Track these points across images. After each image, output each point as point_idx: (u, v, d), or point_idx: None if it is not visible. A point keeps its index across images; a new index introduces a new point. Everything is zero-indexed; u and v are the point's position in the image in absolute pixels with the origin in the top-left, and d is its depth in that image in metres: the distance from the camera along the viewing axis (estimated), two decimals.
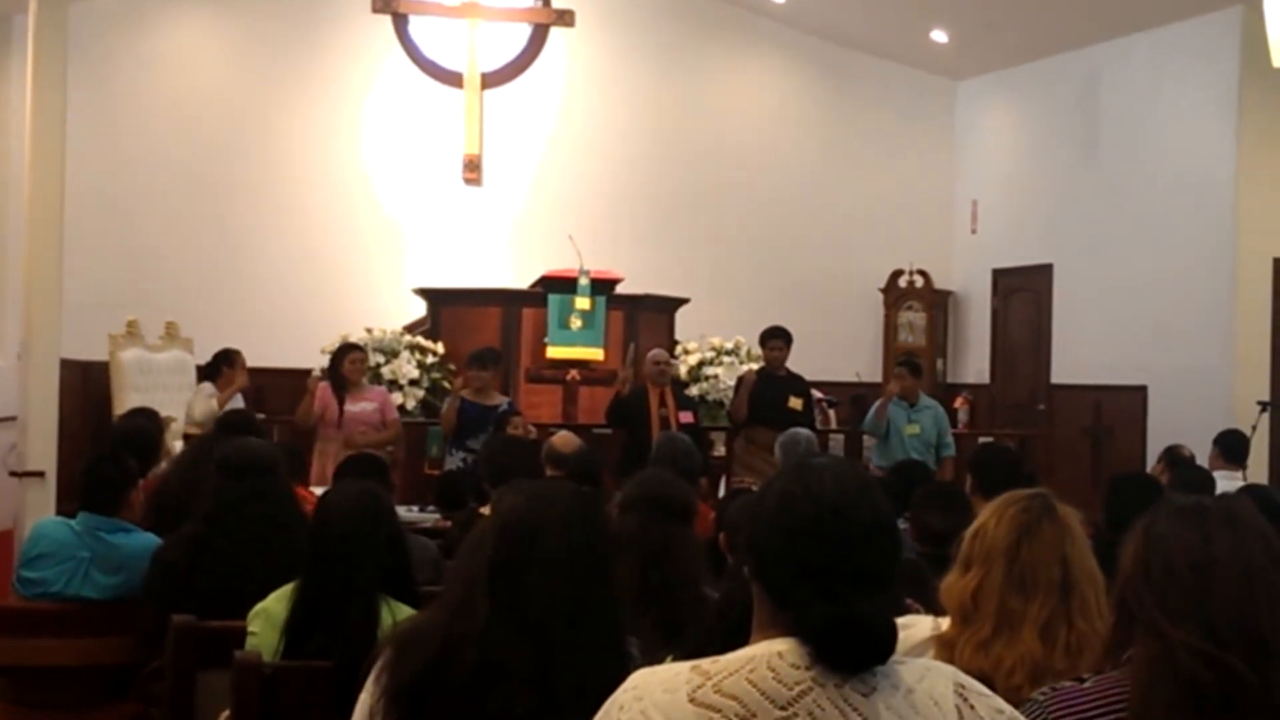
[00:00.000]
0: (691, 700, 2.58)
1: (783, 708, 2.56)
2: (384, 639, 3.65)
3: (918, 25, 16.75)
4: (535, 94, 17.16)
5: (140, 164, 15.87)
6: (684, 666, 2.65)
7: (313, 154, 16.42)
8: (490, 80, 16.99)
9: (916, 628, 4.01)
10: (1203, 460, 10.40)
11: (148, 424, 8.54)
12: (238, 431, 7.24)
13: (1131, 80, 15.47)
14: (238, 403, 11.95)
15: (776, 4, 17.25)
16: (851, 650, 2.59)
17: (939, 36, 16.83)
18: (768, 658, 2.61)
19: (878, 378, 16.83)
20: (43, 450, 11.42)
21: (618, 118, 17.24)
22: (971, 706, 2.67)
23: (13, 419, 12.69)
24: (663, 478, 5.40)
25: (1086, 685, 3.05)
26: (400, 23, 16.87)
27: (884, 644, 2.60)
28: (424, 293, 15.19)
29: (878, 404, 12.73)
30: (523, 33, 17.28)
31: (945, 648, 3.88)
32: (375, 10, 16.64)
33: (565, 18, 17.12)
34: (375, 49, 16.71)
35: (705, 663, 2.64)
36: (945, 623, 3.99)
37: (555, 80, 17.24)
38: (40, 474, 11.29)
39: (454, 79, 16.88)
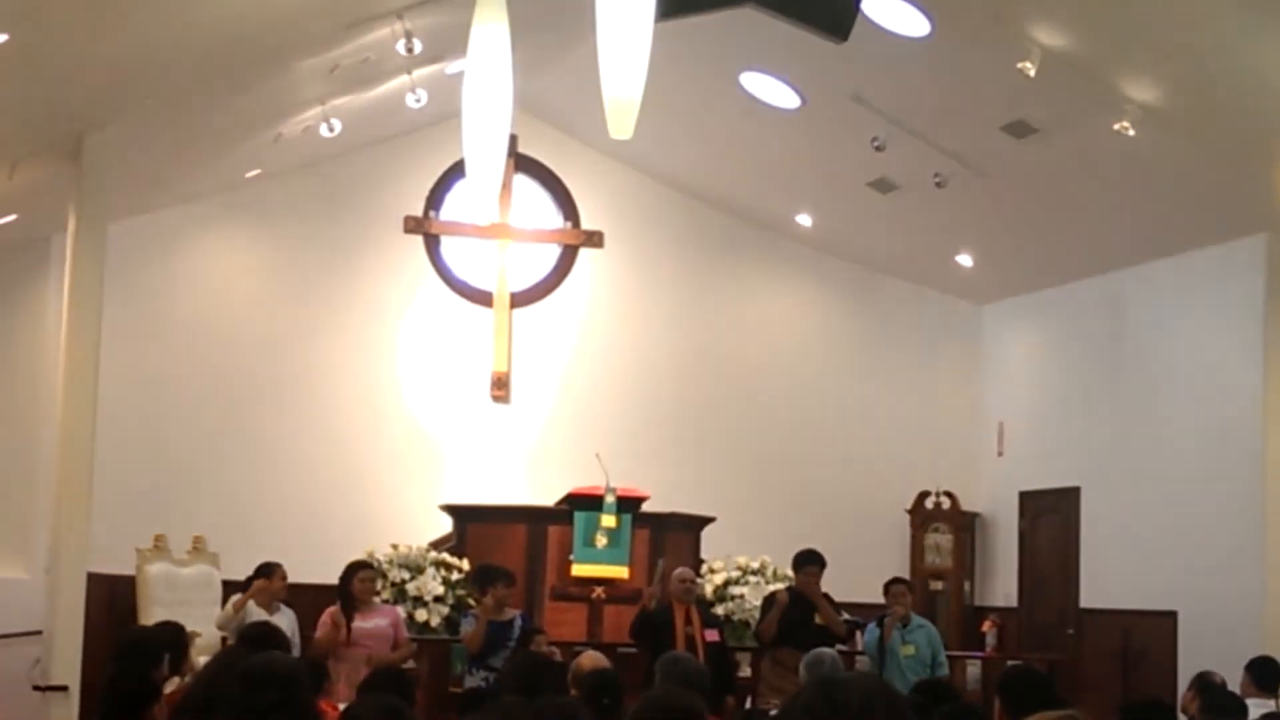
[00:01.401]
0: None
1: None
2: None
3: (943, 249, 16.93)
4: (564, 312, 17.33)
5: (172, 380, 16.00)
6: None
7: (343, 372, 16.55)
8: (519, 300, 17.17)
9: None
10: (1234, 687, 10.25)
11: (165, 632, 8.50)
12: (259, 643, 7.21)
13: (1156, 305, 15.56)
14: (273, 616, 11.92)
15: (803, 227, 17.46)
16: None
17: (964, 260, 16.99)
18: None
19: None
20: (67, 664, 11.41)
21: (645, 337, 17.38)
22: None
23: (38, 633, 12.69)
24: (670, 689, 5.35)
25: None
26: (432, 243, 17.09)
27: None
28: (451, 509, 15.20)
29: (884, 624, 12.62)
30: (552, 253, 17.49)
31: None
32: (408, 231, 16.88)
33: (594, 239, 17.34)
34: (407, 268, 16.92)
35: None
36: None
37: (583, 299, 17.42)
38: (64, 688, 11.27)
39: (484, 298, 17.06)
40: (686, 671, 8.33)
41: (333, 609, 11.85)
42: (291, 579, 13.48)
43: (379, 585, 12.88)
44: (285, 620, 12.05)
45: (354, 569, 12.08)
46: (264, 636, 8.08)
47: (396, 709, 4.83)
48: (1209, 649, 13.48)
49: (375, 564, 13.26)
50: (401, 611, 13.27)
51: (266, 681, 5.66)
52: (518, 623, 11.72)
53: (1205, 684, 9.81)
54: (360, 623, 11.58)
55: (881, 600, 15.46)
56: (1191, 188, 13.78)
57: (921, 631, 12.67)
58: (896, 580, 13.41)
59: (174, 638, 8.64)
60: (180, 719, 6.63)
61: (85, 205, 12.02)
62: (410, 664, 11.53)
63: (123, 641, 7.80)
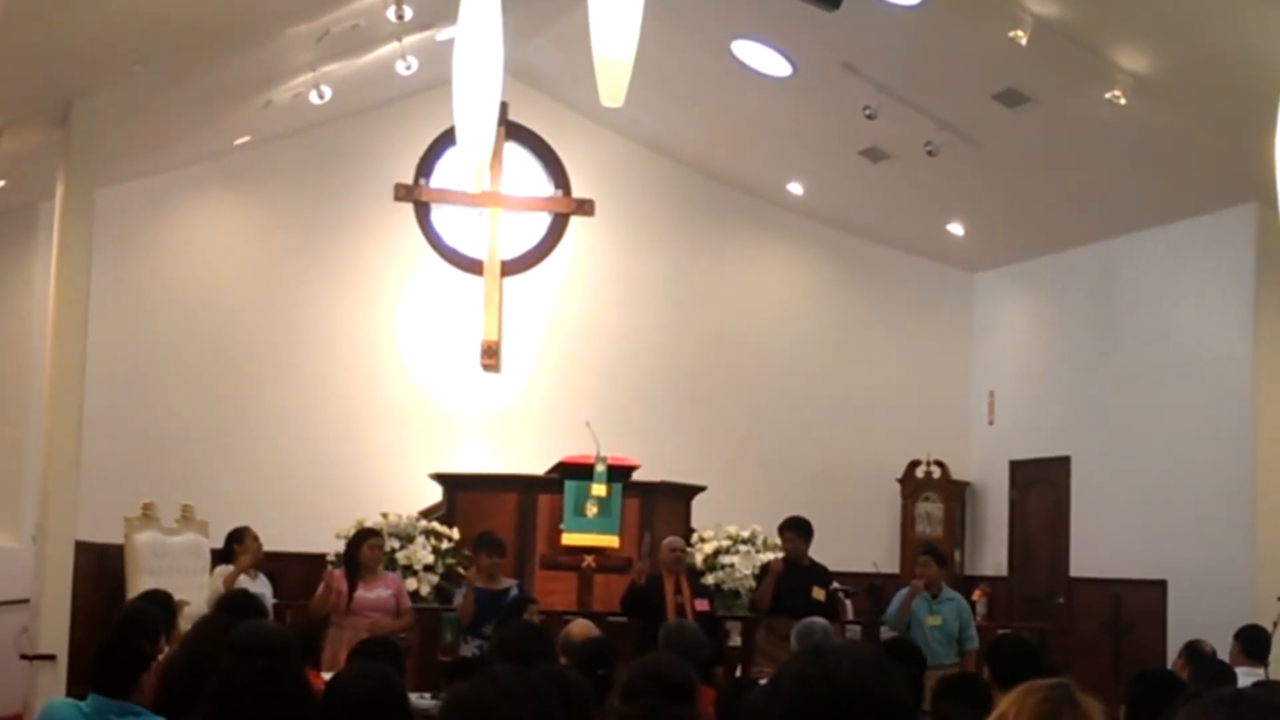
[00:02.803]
0: None
1: None
2: None
3: (935, 218, 16.90)
4: (554, 281, 17.30)
5: (159, 347, 15.97)
6: None
7: (331, 339, 16.52)
8: (510, 268, 17.13)
9: None
10: (1224, 656, 10.27)
11: (158, 605, 8.49)
12: (238, 612, 7.20)
13: (1147, 274, 15.55)
14: (251, 583, 11.92)
15: (795, 196, 17.43)
16: None
17: (956, 229, 16.98)
18: None
19: (895, 568, 16.75)
20: (55, 633, 11.37)
21: (636, 305, 17.36)
22: None
23: (25, 601, 12.67)
24: (660, 657, 5.34)
25: None
26: (422, 211, 17.05)
27: None
28: (440, 478, 15.18)
29: (902, 596, 12.61)
30: (543, 221, 17.45)
31: None
32: (398, 199, 16.83)
33: (585, 207, 17.30)
34: (397, 236, 16.87)
35: None
36: None
37: (574, 268, 17.38)
38: (51, 657, 11.24)
39: (474, 266, 17.02)
40: (689, 641, 8.34)
41: (336, 572, 11.83)
42: (280, 547, 13.51)
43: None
44: (262, 588, 12.05)
45: (363, 535, 12.08)
46: (244, 604, 8.10)
47: (385, 676, 4.81)
48: (1198, 618, 13.51)
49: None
50: (412, 582, 13.27)
51: (254, 650, 5.65)
52: (512, 592, 11.72)
53: (1195, 653, 9.85)
54: (363, 592, 11.58)
55: (872, 570, 15.57)
56: (1182, 157, 13.77)
57: (951, 604, 12.63)
58: (924, 549, 13.45)
59: (163, 606, 8.64)
60: (168, 686, 6.62)
61: (73, 171, 11.94)
62: (404, 635, 11.50)
63: (117, 616, 7.81)
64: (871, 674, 2.64)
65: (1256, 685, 7.71)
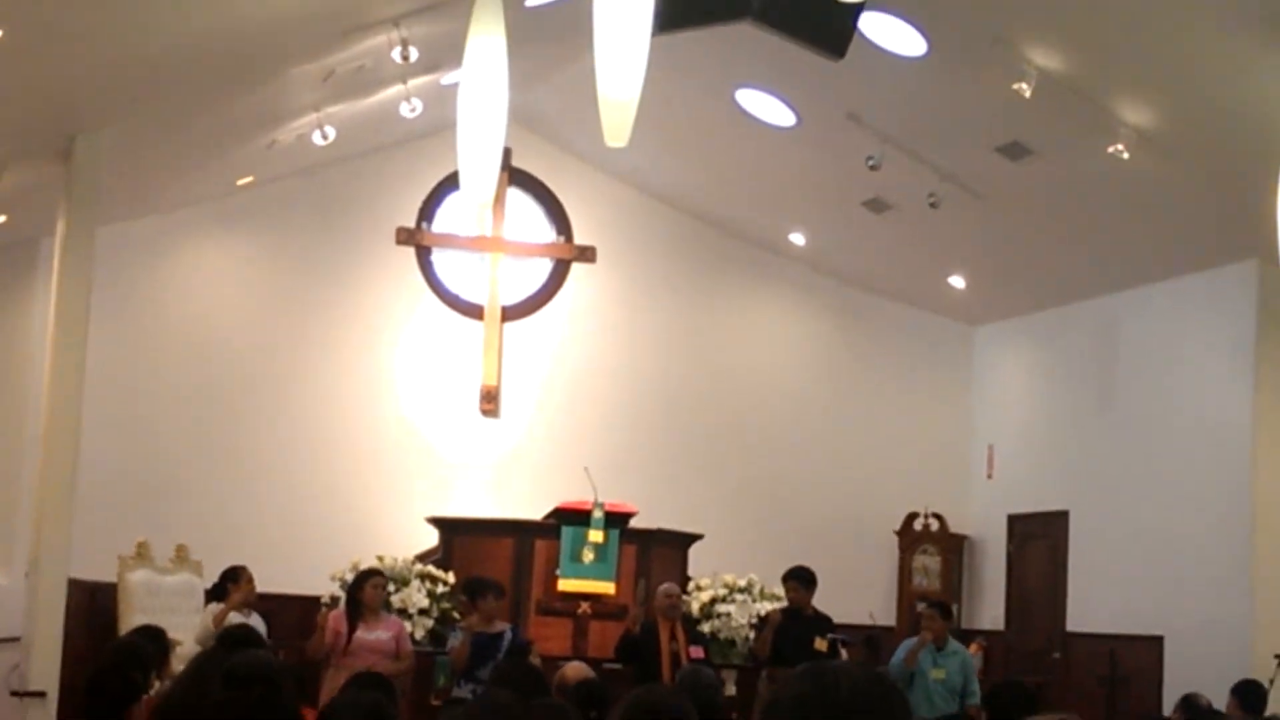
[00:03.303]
0: None
1: None
2: None
3: (936, 270, 16.91)
4: (554, 327, 17.30)
5: (157, 387, 15.95)
6: None
7: (330, 381, 16.51)
8: (510, 314, 17.12)
9: None
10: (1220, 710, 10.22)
11: (150, 640, 8.45)
12: (238, 645, 7.16)
13: (1148, 329, 15.54)
14: (244, 621, 11.85)
15: (796, 246, 17.44)
16: None
17: (957, 282, 16.98)
18: None
19: (892, 620, 16.71)
20: (46, 670, 11.33)
21: (636, 353, 17.36)
22: None
23: (17, 639, 12.61)
24: (657, 690, 5.28)
25: None
26: (423, 255, 17.05)
27: None
28: (437, 522, 15.15)
29: (909, 647, 12.58)
30: (544, 267, 17.45)
31: None
32: (399, 242, 16.83)
33: (587, 254, 17.30)
34: (399, 280, 16.88)
35: None
36: None
37: (575, 314, 17.38)
38: (42, 694, 11.19)
39: (475, 311, 17.01)
40: (703, 681, 8.32)
41: (335, 613, 11.74)
42: (276, 589, 13.45)
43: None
44: (257, 626, 11.96)
45: (366, 575, 11.97)
46: (243, 638, 8.04)
47: (377, 703, 4.77)
48: (1195, 674, 13.44)
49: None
50: (407, 625, 13.17)
51: (248, 680, 5.61)
52: (507, 635, 11.65)
53: (1191, 706, 9.79)
54: (363, 633, 11.44)
55: (869, 622, 15.49)
56: (1184, 212, 13.79)
57: (955, 658, 12.60)
58: (930, 603, 13.41)
59: (156, 641, 8.60)
60: (165, 718, 6.58)
61: (75, 208, 11.97)
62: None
63: (108, 647, 7.77)
64: (870, 695, 2.60)
65: None
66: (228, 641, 7.91)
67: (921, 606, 13.84)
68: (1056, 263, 15.78)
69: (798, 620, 12.82)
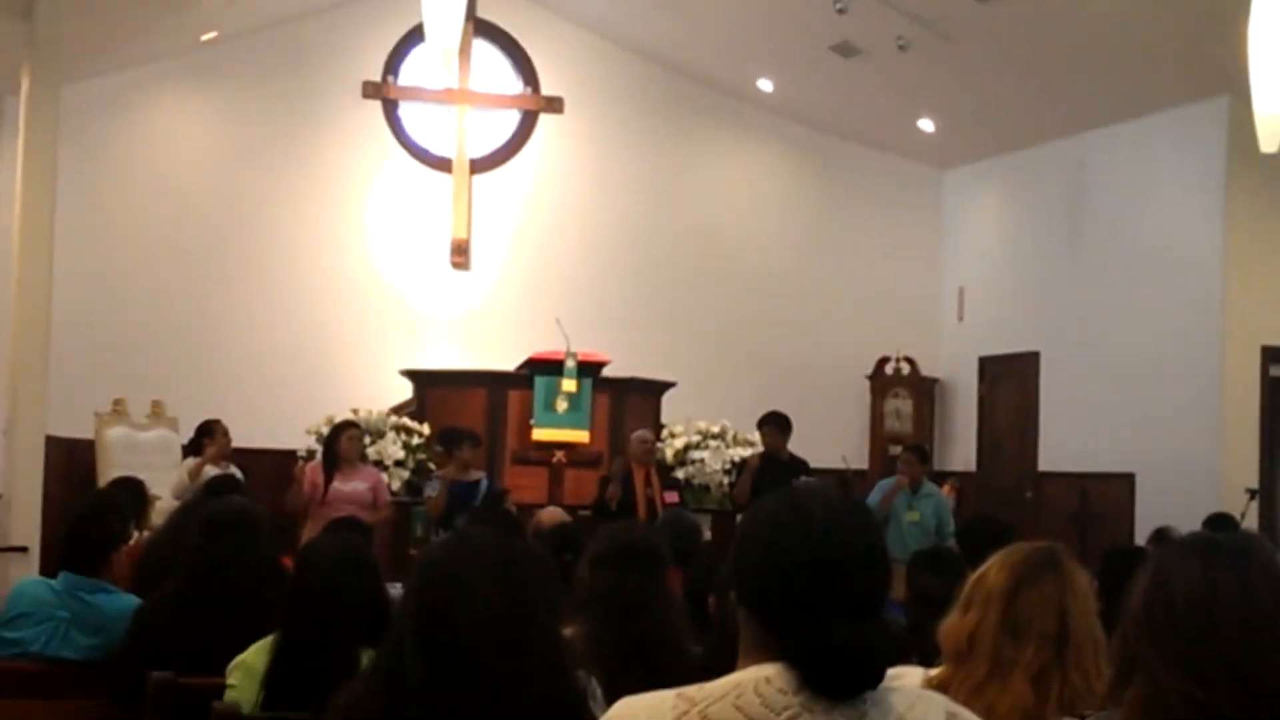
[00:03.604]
0: None
1: None
2: (328, 711, 3.52)
3: (905, 114, 16.84)
4: (523, 179, 17.23)
5: (129, 243, 15.89)
6: (669, 693, 2.60)
7: (300, 235, 16.45)
8: (479, 166, 17.05)
9: (907, 677, 3.94)
10: None
11: (128, 491, 8.49)
12: (223, 494, 7.21)
13: (1118, 168, 15.54)
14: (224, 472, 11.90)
15: (764, 92, 17.34)
16: (841, 676, 2.53)
17: (926, 126, 16.93)
18: (755, 683, 2.55)
19: (864, 464, 16.84)
20: (26, 526, 11.39)
21: (605, 202, 17.32)
22: None
23: None
24: (629, 527, 5.35)
25: None
26: (390, 108, 16.94)
27: (873, 670, 2.55)
28: (411, 374, 15.19)
29: (885, 488, 12.69)
30: (512, 119, 17.36)
31: (940, 689, 3.79)
32: (365, 96, 16.71)
33: (554, 104, 17.20)
34: (365, 133, 16.77)
35: (691, 689, 2.59)
36: (936, 673, 3.94)
37: (543, 165, 17.31)
38: (23, 549, 11.26)
39: (443, 164, 16.94)
40: (684, 524, 8.42)
41: (312, 464, 11.78)
42: (251, 444, 13.47)
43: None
44: None
45: (342, 427, 12.02)
46: (227, 487, 8.10)
47: (354, 544, 4.83)
48: (1166, 510, 13.55)
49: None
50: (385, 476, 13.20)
51: (226, 526, 5.67)
52: (483, 484, 11.73)
53: (1164, 538, 9.89)
54: (339, 484, 11.49)
55: (841, 465, 15.59)
56: (1154, 49, 13.73)
57: (929, 500, 12.71)
58: (907, 447, 13.52)
59: (134, 492, 8.65)
60: (146, 565, 6.65)
61: (38, 66, 11.82)
62: None
63: (86, 497, 7.81)
64: (845, 517, 2.64)
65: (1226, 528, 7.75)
66: (212, 489, 7.97)
67: (898, 450, 13.95)
68: (1026, 104, 15.72)
69: (775, 464, 12.92)
